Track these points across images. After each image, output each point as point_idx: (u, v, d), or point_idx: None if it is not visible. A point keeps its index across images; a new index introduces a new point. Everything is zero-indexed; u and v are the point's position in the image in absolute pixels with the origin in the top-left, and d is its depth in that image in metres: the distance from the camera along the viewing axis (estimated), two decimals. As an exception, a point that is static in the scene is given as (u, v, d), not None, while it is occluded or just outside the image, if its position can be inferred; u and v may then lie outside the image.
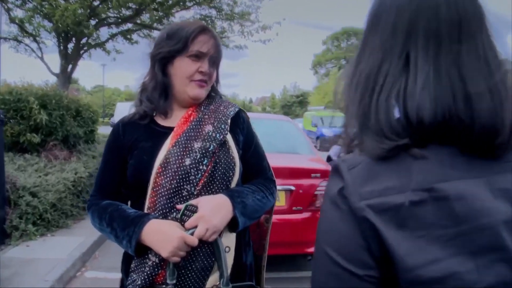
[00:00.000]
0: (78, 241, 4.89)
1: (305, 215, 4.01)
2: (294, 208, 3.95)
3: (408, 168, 0.62)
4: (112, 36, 9.29)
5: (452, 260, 0.58)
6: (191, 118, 1.49)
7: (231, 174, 1.45)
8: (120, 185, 1.51)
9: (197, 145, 1.41)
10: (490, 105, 0.62)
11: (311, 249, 4.02)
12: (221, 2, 9.26)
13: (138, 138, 1.48)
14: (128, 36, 9.48)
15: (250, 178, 1.56)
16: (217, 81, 1.59)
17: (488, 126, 0.62)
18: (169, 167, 1.38)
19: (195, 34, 1.44)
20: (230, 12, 9.33)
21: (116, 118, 37.02)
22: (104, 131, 8.86)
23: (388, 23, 0.69)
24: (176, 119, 1.50)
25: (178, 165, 1.38)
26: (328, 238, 0.66)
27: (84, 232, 5.15)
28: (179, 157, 1.39)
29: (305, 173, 4.08)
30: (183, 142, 1.42)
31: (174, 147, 1.41)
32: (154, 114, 1.51)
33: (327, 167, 4.35)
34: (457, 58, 0.64)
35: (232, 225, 1.39)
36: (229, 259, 1.38)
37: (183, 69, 1.45)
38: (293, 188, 3.98)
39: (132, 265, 1.37)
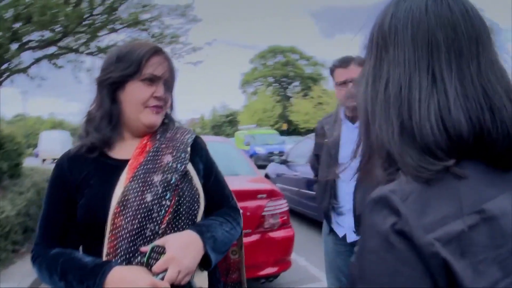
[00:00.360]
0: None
1: (254, 237, 3.94)
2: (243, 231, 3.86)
3: (455, 190, 0.61)
4: (36, 61, 8.76)
5: (508, 279, 0.57)
6: (147, 149, 1.36)
7: (197, 207, 1.34)
8: (68, 229, 1.33)
9: (157, 178, 1.28)
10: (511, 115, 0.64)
11: (263, 272, 3.96)
12: (151, 25, 9.12)
13: (88, 174, 1.32)
14: (53, 61, 9.00)
15: (213, 208, 1.45)
16: (171, 106, 1.48)
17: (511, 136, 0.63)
18: (128, 206, 1.23)
19: (148, 56, 1.32)
20: (160, 34, 9.20)
21: (41, 149, 35.16)
22: (29, 163, 8.27)
23: (407, 37, 0.68)
24: (130, 151, 1.36)
25: (138, 203, 1.24)
26: (390, 281, 0.59)
27: (16, 278, 4.69)
28: (139, 193, 1.25)
29: (251, 194, 4.02)
30: (141, 175, 1.28)
31: (132, 182, 1.26)
32: (103, 146, 1.36)
33: (272, 187, 4.34)
34: (478, 71, 0.65)
35: (203, 263, 1.28)
36: None
37: (136, 95, 1.32)
38: (240, 211, 3.88)
39: None
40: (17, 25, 7.70)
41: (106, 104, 1.33)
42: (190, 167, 1.38)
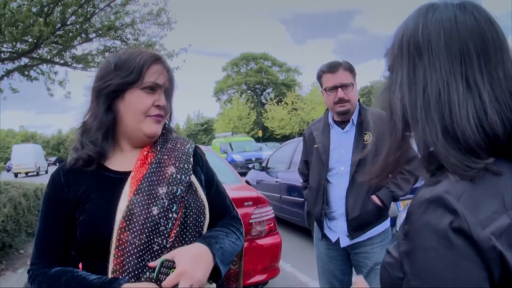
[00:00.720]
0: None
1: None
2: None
3: (496, 187, 0.68)
4: (8, 73, 8.48)
5: None
6: (149, 160, 1.32)
7: (203, 218, 1.32)
8: (67, 247, 1.27)
9: (162, 190, 1.25)
10: None
11: (252, 280, 3.93)
12: (125, 32, 8.98)
13: (87, 188, 1.26)
14: (26, 72, 8.72)
15: (216, 219, 1.43)
16: (170, 116, 1.44)
17: None
18: (134, 220, 1.18)
19: (149, 64, 1.28)
20: (135, 42, 9.08)
21: (14, 162, 34.19)
22: (1, 177, 8.00)
23: (440, 45, 0.74)
24: (130, 162, 1.31)
25: (145, 216, 1.19)
26: (448, 277, 0.64)
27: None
28: (145, 207, 1.21)
29: (238, 202, 3.97)
30: (146, 188, 1.23)
31: (137, 195, 1.22)
32: (101, 159, 1.30)
33: (258, 194, 4.33)
34: (504, 76, 0.72)
35: (211, 275, 1.24)
36: None
37: (136, 103, 1.27)
38: (241, 220, 3.86)
39: None
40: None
41: (103, 114, 1.28)
42: (193, 178, 1.35)
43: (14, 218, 6.56)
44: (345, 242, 2.58)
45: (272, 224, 4.15)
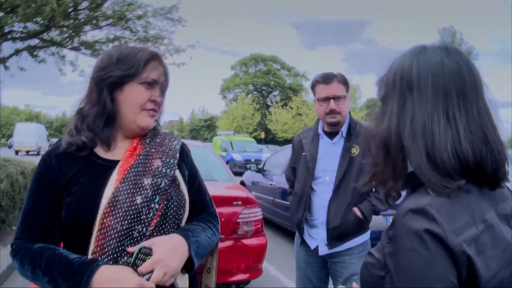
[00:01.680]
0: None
1: (228, 243, 3.98)
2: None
3: (467, 203, 0.85)
4: (17, 52, 8.55)
5: (502, 271, 0.83)
6: (137, 152, 1.39)
7: (182, 211, 1.39)
8: (52, 225, 1.33)
9: (147, 181, 1.32)
10: (499, 146, 0.88)
11: (234, 278, 3.99)
12: (135, 24, 9.06)
13: (77, 172, 1.32)
14: (35, 53, 8.81)
15: (194, 214, 1.50)
16: (161, 111, 1.51)
17: (498, 163, 0.87)
18: (118, 206, 1.26)
19: (148, 60, 1.37)
20: (144, 34, 9.15)
21: (16, 139, 34.23)
22: (2, 153, 8.07)
23: (428, 84, 0.90)
24: (119, 151, 1.39)
25: (128, 204, 1.27)
26: (426, 273, 0.79)
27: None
28: (129, 195, 1.28)
29: (227, 201, 4.07)
30: (132, 178, 1.31)
31: (123, 184, 1.29)
32: (94, 146, 1.37)
33: (248, 194, 4.39)
34: (477, 112, 0.88)
35: (185, 266, 1.32)
36: None
37: (135, 97, 1.35)
38: (218, 218, 3.92)
39: None
40: (-1, 14, 7.57)
41: (106, 104, 1.35)
42: (177, 173, 1.42)
43: (10, 194, 6.63)
44: (323, 250, 2.64)
45: (259, 226, 4.22)
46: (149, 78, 1.36)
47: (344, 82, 2.61)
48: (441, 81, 0.89)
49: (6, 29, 8.17)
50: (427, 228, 0.79)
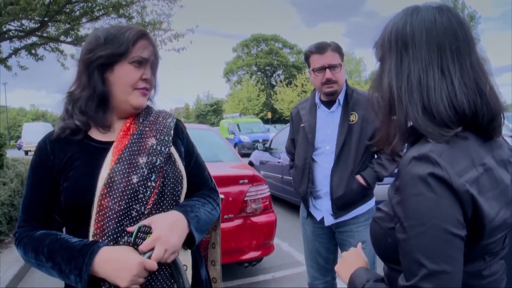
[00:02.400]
0: (-9, 277, 4.43)
1: (237, 222, 4.01)
2: (225, 216, 3.91)
3: (466, 149, 0.91)
4: (15, 51, 8.55)
5: (503, 211, 0.92)
6: (131, 131, 1.39)
7: (180, 188, 1.39)
8: (52, 212, 1.35)
9: (142, 160, 1.32)
10: (492, 97, 0.94)
11: (246, 256, 4.03)
12: (131, 10, 8.98)
13: (72, 156, 1.33)
14: (33, 51, 8.79)
15: (193, 190, 1.50)
16: (155, 89, 1.50)
17: (493, 113, 0.94)
18: (115, 187, 1.26)
19: (136, 38, 1.35)
20: (141, 21, 9.08)
21: (24, 140, 34.51)
22: (11, 154, 8.17)
23: (422, 41, 0.96)
24: (113, 133, 1.39)
25: (125, 184, 1.27)
26: (434, 214, 0.85)
27: (1, 267, 4.72)
28: (125, 175, 1.28)
29: (234, 180, 4.08)
30: (127, 158, 1.31)
31: (118, 164, 1.29)
32: (87, 129, 1.37)
33: (254, 172, 4.40)
34: (471, 66, 0.95)
35: (186, 242, 1.33)
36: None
37: (126, 77, 1.34)
38: (222, 196, 3.93)
39: None
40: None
41: (96, 85, 1.34)
42: (173, 150, 1.42)
43: (21, 193, 6.71)
44: (329, 220, 2.64)
45: (267, 202, 4.23)
46: (139, 56, 1.35)
47: (339, 50, 2.57)
48: (434, 37, 0.94)
49: (4, 29, 8.17)
50: (431, 172, 0.85)
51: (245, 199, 4.06)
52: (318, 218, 2.69)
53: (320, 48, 2.55)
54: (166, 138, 1.40)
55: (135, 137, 1.36)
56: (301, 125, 2.75)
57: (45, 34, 8.81)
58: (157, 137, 1.39)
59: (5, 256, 5.06)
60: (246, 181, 4.11)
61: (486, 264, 0.96)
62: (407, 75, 0.96)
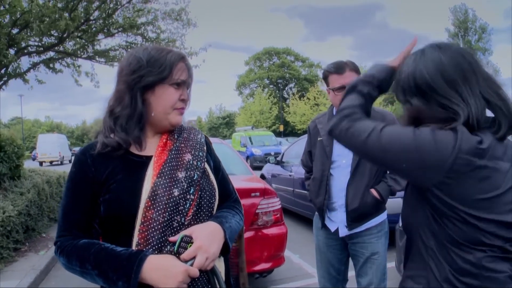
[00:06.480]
0: (11, 285, 4.51)
1: (248, 234, 4.04)
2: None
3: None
4: (34, 65, 8.79)
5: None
6: (168, 147, 1.47)
7: (214, 200, 1.48)
8: (92, 221, 1.40)
9: (181, 174, 1.40)
10: (505, 109, 1.22)
11: (257, 267, 4.06)
12: (146, 29, 9.19)
13: (113, 170, 1.39)
14: (51, 65, 9.03)
15: (220, 202, 1.56)
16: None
17: (506, 121, 1.22)
18: (158, 200, 1.34)
19: (177, 62, 1.44)
20: (156, 39, 9.27)
21: (39, 151, 35.03)
22: (26, 165, 8.34)
23: (437, 79, 1.25)
24: (150, 147, 1.46)
25: (167, 197, 1.35)
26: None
27: (17, 275, 4.78)
28: (167, 188, 1.36)
29: (245, 192, 4.12)
30: (167, 172, 1.39)
31: (160, 178, 1.37)
32: (128, 146, 1.43)
33: (266, 185, 4.44)
34: (479, 89, 1.23)
35: (221, 250, 1.40)
36: None
37: (166, 98, 1.43)
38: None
39: None
40: (14, 31, 7.77)
41: (137, 106, 1.41)
42: (205, 165, 1.51)
43: (38, 203, 6.85)
44: (343, 232, 2.69)
45: (278, 215, 4.27)
46: (179, 79, 1.43)
47: (356, 69, 2.63)
48: (448, 74, 1.23)
49: (23, 44, 8.40)
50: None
51: (257, 211, 4.11)
52: (333, 229, 2.73)
53: (339, 69, 2.61)
54: (200, 153, 1.49)
55: (173, 152, 1.44)
56: (319, 138, 2.81)
57: (61, 49, 9.07)
58: (192, 152, 1.47)
59: (21, 264, 5.16)
60: (257, 194, 4.16)
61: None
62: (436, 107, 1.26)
